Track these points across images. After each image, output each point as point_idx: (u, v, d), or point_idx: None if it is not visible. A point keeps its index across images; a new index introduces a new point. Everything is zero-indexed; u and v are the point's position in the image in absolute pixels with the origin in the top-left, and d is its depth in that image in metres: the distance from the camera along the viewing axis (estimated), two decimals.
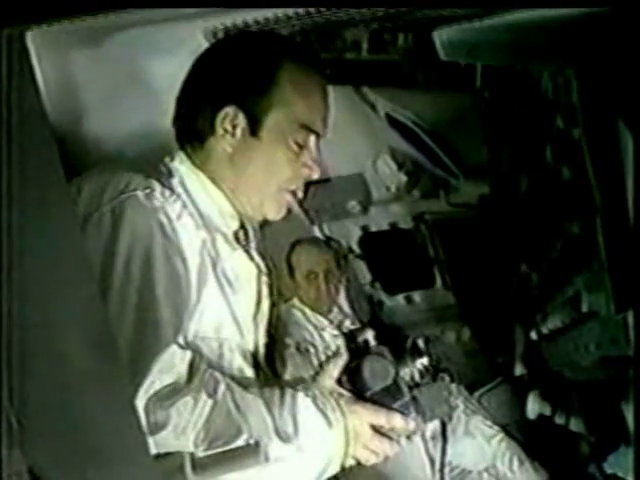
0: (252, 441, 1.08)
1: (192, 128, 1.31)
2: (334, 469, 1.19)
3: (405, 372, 1.28)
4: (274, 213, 1.34)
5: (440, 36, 1.16)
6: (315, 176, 1.33)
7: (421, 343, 1.33)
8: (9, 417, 0.61)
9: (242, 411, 1.10)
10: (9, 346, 0.62)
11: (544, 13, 1.05)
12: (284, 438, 1.10)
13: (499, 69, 1.65)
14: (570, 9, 1.05)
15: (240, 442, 1.08)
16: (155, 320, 1.09)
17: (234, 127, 1.27)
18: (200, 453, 1.05)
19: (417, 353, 1.30)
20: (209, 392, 1.09)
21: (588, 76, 1.16)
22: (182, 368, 1.10)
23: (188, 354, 1.13)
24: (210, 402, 1.08)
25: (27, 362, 0.63)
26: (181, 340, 1.14)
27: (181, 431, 1.05)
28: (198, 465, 1.03)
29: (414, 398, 1.25)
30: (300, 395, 1.16)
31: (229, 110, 1.26)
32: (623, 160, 1.11)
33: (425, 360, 1.30)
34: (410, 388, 1.27)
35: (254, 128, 1.27)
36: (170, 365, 1.08)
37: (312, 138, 1.30)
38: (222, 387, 1.11)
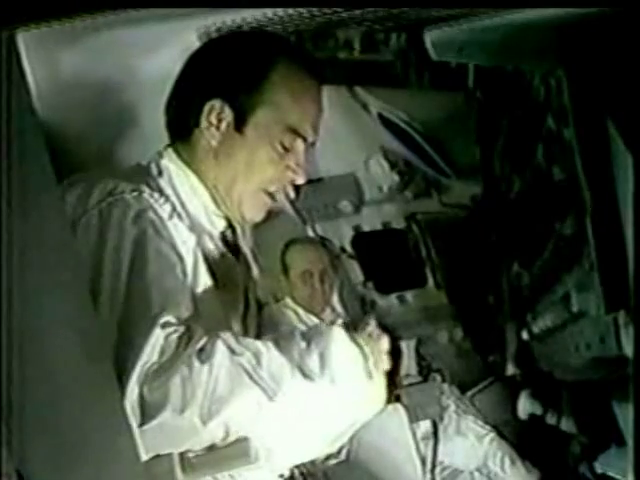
0: (265, 394, 1.03)
1: (181, 122, 1.30)
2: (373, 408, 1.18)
3: None
4: (252, 214, 1.32)
5: (430, 36, 1.16)
6: (299, 181, 1.32)
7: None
8: None
9: (252, 364, 1.04)
10: None
11: (535, 13, 1.05)
12: (310, 374, 1.07)
13: (491, 70, 1.65)
14: (561, 9, 1.05)
15: (253, 396, 1.03)
16: (145, 303, 1.04)
17: (219, 120, 1.26)
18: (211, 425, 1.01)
19: None
20: (201, 359, 1.02)
21: (579, 77, 1.17)
22: (172, 345, 1.03)
23: (180, 328, 1.06)
24: (205, 368, 1.01)
25: (14, 364, 0.62)
26: (174, 319, 1.07)
27: (182, 407, 0.99)
28: (188, 466, 1.02)
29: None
30: (336, 328, 1.15)
31: (215, 103, 1.25)
32: (613, 161, 1.11)
33: None
34: None
35: (239, 124, 1.26)
36: (160, 343, 1.02)
37: (299, 142, 1.29)
38: (220, 347, 1.04)
